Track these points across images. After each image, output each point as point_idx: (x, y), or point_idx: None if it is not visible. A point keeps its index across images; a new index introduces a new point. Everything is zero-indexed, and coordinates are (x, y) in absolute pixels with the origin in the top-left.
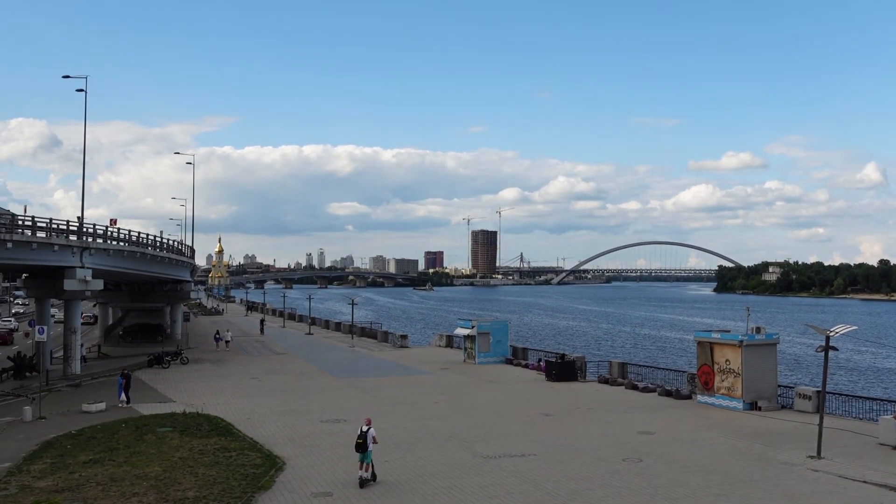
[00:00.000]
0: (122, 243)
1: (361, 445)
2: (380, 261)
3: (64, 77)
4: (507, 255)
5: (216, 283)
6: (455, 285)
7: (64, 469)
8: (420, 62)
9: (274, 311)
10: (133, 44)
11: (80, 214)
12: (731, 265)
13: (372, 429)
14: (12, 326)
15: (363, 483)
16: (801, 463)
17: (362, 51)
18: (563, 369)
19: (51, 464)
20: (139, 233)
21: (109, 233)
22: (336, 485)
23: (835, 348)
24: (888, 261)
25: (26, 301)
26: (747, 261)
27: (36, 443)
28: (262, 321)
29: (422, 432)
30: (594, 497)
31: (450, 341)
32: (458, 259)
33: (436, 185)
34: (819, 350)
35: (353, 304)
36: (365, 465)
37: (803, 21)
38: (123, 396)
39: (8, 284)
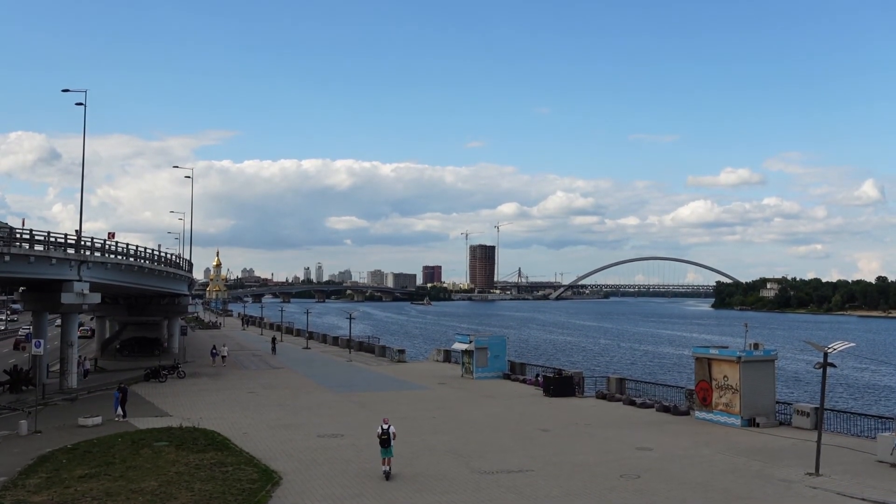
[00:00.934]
0: (119, 257)
1: (386, 441)
2: (378, 275)
3: (63, 91)
4: (505, 270)
5: (214, 296)
6: (453, 300)
7: (59, 483)
8: (419, 77)
9: (271, 326)
10: (133, 58)
11: (78, 228)
12: (728, 281)
13: (392, 426)
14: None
15: (388, 476)
16: (799, 480)
17: (362, 66)
18: (560, 385)
19: (46, 478)
20: (137, 246)
21: (107, 246)
22: (333, 500)
23: (833, 365)
24: (886, 277)
25: (14, 317)
26: (745, 277)
27: (31, 457)
28: (273, 339)
29: (419, 447)
30: None
31: (447, 356)
32: (457, 274)
33: (434, 200)
34: (817, 366)
35: (350, 318)
36: (387, 459)
37: (801, 38)
38: (120, 410)
39: (5, 297)
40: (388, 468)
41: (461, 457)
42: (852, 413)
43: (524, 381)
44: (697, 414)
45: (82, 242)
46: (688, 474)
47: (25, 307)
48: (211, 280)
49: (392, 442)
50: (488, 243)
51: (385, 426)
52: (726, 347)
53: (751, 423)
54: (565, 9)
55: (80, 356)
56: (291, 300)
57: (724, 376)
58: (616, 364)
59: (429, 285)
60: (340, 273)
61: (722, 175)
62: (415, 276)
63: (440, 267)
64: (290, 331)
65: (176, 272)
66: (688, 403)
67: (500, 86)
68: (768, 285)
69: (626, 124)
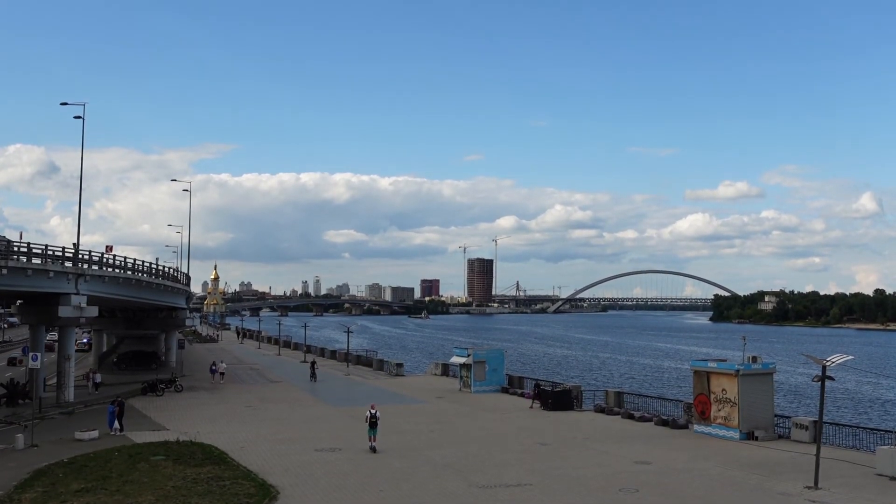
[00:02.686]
0: (117, 270)
1: (374, 424)
2: (376, 289)
3: (62, 104)
4: (503, 284)
5: (212, 310)
6: (451, 313)
7: (55, 498)
8: (417, 91)
9: (269, 339)
10: (131, 71)
11: (75, 241)
12: (727, 294)
13: (378, 411)
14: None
15: (375, 450)
16: (798, 493)
17: (360, 80)
18: (559, 398)
19: (42, 492)
20: (135, 260)
21: (105, 260)
22: None
23: (831, 378)
24: (884, 290)
25: None
26: (743, 290)
27: (27, 471)
28: (313, 364)
29: (417, 461)
30: None
31: (445, 370)
32: (455, 287)
33: (432, 214)
34: (816, 380)
35: (348, 332)
36: (373, 437)
37: (800, 51)
38: (117, 424)
39: (2, 311)
40: (374, 444)
41: (459, 471)
42: (851, 426)
43: (522, 395)
44: (696, 427)
45: (80, 256)
46: (686, 488)
47: (22, 320)
48: (209, 294)
49: (378, 424)
50: (486, 257)
51: (372, 411)
52: (725, 361)
53: (749, 436)
54: (563, 22)
55: (90, 369)
56: (289, 314)
57: (723, 389)
58: (614, 377)
59: (427, 299)
60: (338, 287)
61: (720, 188)
62: (413, 289)
63: (438, 280)
64: (287, 344)
65: (174, 286)
66: (686, 417)
67: (498, 99)
68: (766, 298)
69: (625, 137)
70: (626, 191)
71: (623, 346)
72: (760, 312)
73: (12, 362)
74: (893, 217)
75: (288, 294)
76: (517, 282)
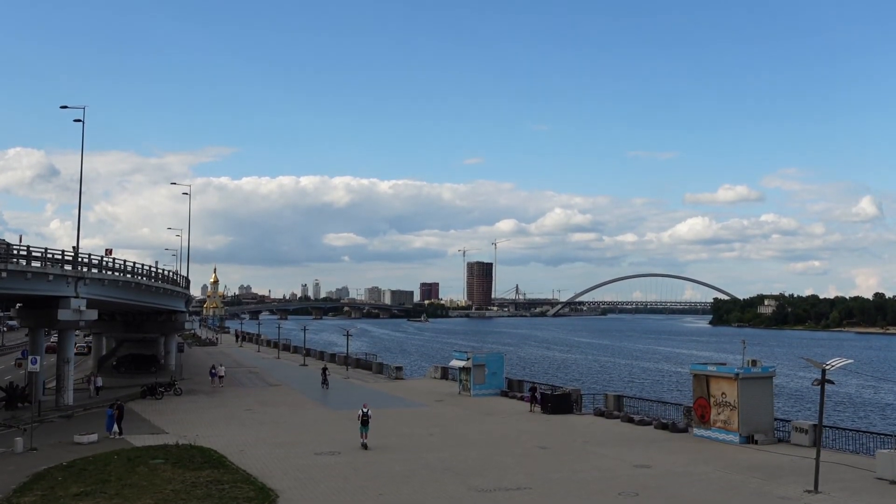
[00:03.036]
0: (117, 273)
1: (365, 421)
2: (375, 292)
3: (62, 107)
4: (502, 287)
5: (211, 313)
6: (450, 317)
7: (54, 501)
8: (417, 94)
9: (269, 343)
10: (131, 74)
11: (75, 244)
12: (726, 298)
13: (369, 409)
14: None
15: (366, 447)
16: (798, 497)
17: (360, 83)
18: (558, 402)
19: (41, 496)
20: (134, 263)
21: (104, 263)
22: None
23: (831, 382)
24: (883, 294)
25: None
26: (743, 293)
27: (26, 474)
28: (324, 370)
29: (417, 465)
30: None
31: (445, 373)
32: (454, 291)
33: (432, 217)
34: (815, 383)
35: (348, 335)
36: (365, 434)
37: (799, 54)
38: (116, 428)
39: (1, 314)
40: (365, 441)
41: (459, 475)
42: (851, 430)
43: (522, 399)
44: (696, 431)
45: (80, 259)
46: (686, 492)
47: (22, 324)
48: (208, 297)
49: (370, 422)
50: (486, 260)
51: (364, 409)
52: (724, 364)
53: (749, 440)
54: (563, 26)
55: (91, 373)
56: (289, 317)
57: (723, 393)
58: (614, 381)
59: (426, 302)
60: (338, 290)
61: (720, 192)
62: (412, 292)
63: (437, 284)
64: (287, 347)
65: (173, 289)
66: (686, 420)
67: (499, 102)
68: (766, 302)
69: (624, 141)
70: (625, 194)
71: (622, 350)
72: (760, 316)
73: (19, 363)
74: (893, 220)
75: (287, 297)
76: (517, 285)
